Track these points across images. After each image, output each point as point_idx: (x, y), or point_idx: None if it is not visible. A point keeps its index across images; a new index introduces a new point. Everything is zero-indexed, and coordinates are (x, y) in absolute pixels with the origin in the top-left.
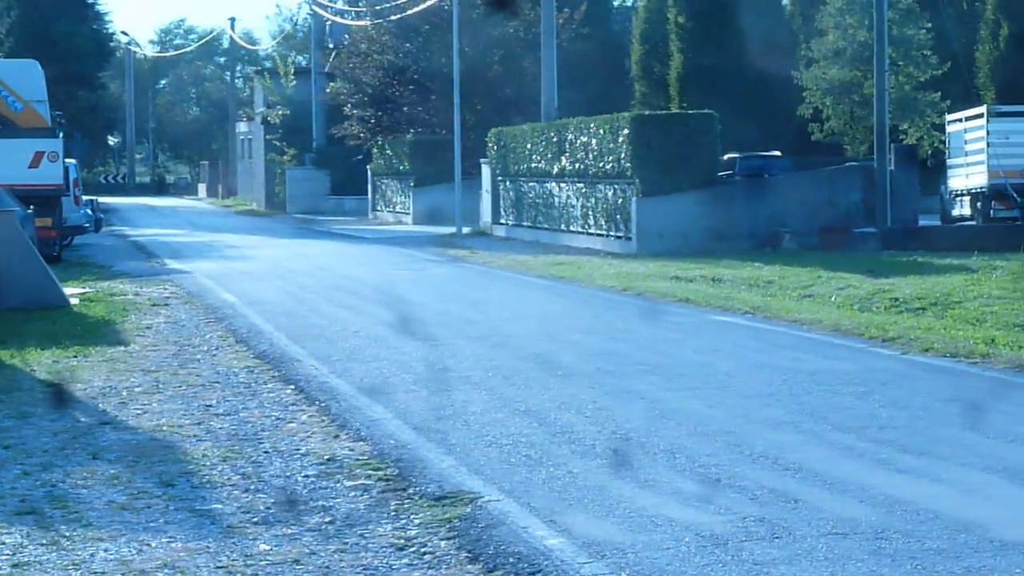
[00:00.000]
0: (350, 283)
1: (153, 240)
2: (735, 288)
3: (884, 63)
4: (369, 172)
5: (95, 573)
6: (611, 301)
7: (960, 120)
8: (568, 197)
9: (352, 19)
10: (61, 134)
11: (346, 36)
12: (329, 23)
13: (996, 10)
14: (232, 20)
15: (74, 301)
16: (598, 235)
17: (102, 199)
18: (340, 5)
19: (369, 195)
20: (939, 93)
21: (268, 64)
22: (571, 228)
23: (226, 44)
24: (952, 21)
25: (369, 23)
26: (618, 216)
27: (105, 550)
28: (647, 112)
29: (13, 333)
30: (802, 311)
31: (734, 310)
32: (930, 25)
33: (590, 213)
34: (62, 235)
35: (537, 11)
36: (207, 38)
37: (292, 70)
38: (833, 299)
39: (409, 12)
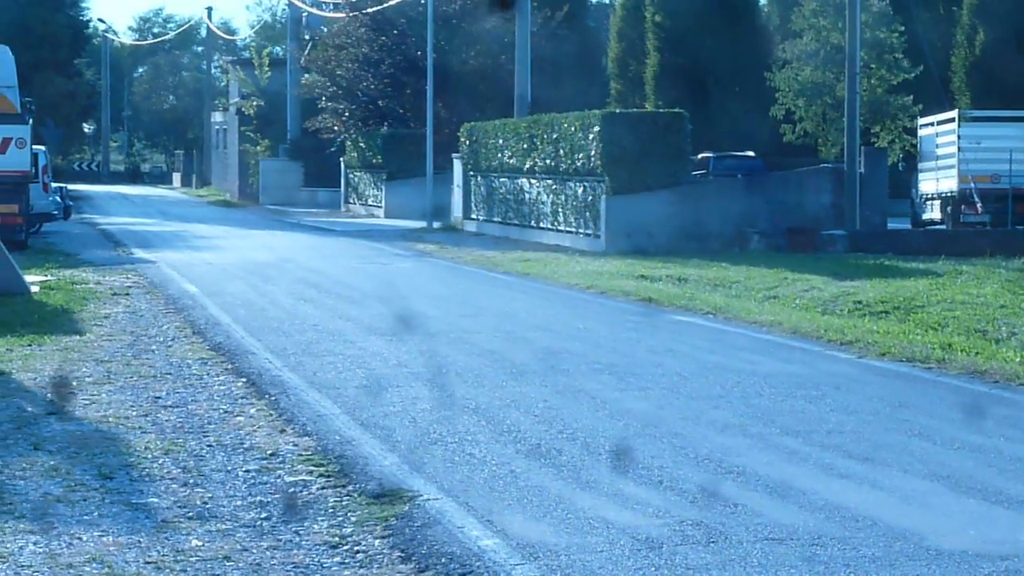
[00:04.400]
0: (314, 276)
1: (122, 229)
2: (699, 288)
3: (856, 66)
4: (342, 165)
5: (22, 567)
6: (574, 299)
7: (932, 124)
8: (539, 193)
9: (329, 11)
10: (31, 120)
11: (323, 28)
12: (306, 15)
13: (972, 15)
14: (209, 9)
15: (35, 289)
16: (568, 232)
17: (75, 187)
18: None
19: (342, 188)
20: (911, 96)
21: (246, 54)
22: (541, 225)
23: (204, 33)
24: (927, 25)
25: (345, 16)
26: (588, 213)
27: (35, 543)
28: (618, 110)
29: None
30: (763, 313)
31: (695, 310)
32: (903, 28)
33: (560, 210)
34: (29, 222)
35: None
36: (185, 27)
37: (268, 61)
38: (796, 301)
39: (385, 5)
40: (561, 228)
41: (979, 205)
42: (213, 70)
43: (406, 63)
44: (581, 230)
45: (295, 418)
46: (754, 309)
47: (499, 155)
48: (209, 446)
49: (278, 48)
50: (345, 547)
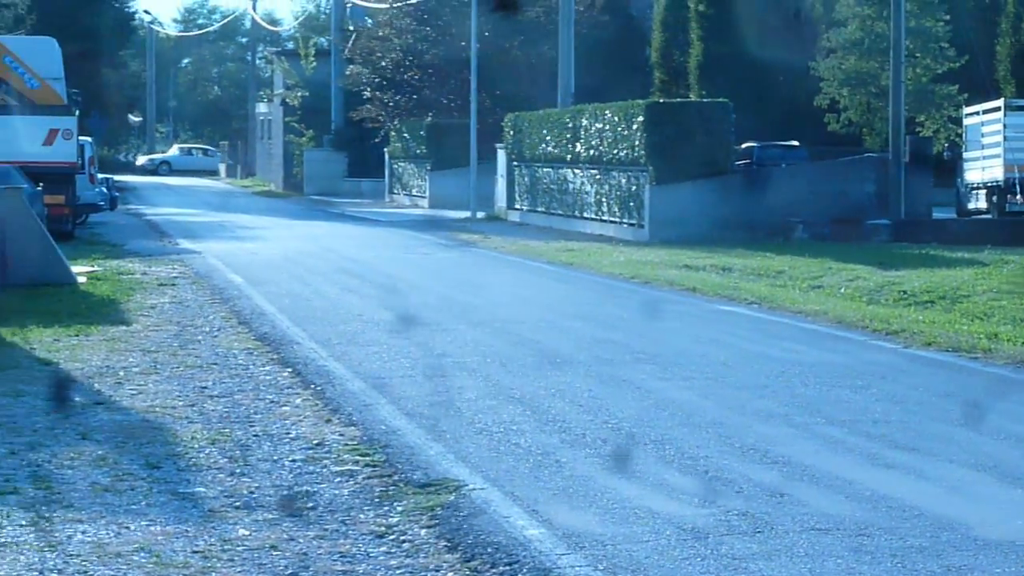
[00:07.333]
0: (357, 266)
1: (167, 219)
2: (743, 278)
3: (901, 54)
4: (386, 155)
5: (70, 555)
6: (617, 289)
7: (977, 113)
8: (582, 183)
9: (374, 2)
10: (77, 112)
11: (367, 18)
12: (350, 5)
13: (1017, 3)
14: (255, 0)
15: (81, 279)
16: (611, 222)
17: (120, 177)
18: None
19: (386, 178)
20: (956, 86)
21: (290, 45)
22: (584, 215)
23: (248, 24)
24: (972, 14)
25: (389, 5)
26: (631, 203)
27: (83, 532)
28: (661, 100)
29: (16, 310)
30: (808, 302)
31: (739, 300)
32: (948, 17)
33: (603, 200)
34: (75, 213)
35: None
36: (230, 18)
37: (313, 52)
38: (841, 291)
39: None
40: (605, 218)
41: None
42: (257, 61)
43: (450, 53)
44: (625, 220)
45: (341, 408)
46: (798, 299)
47: (543, 145)
48: (255, 436)
49: (322, 39)
50: (391, 536)
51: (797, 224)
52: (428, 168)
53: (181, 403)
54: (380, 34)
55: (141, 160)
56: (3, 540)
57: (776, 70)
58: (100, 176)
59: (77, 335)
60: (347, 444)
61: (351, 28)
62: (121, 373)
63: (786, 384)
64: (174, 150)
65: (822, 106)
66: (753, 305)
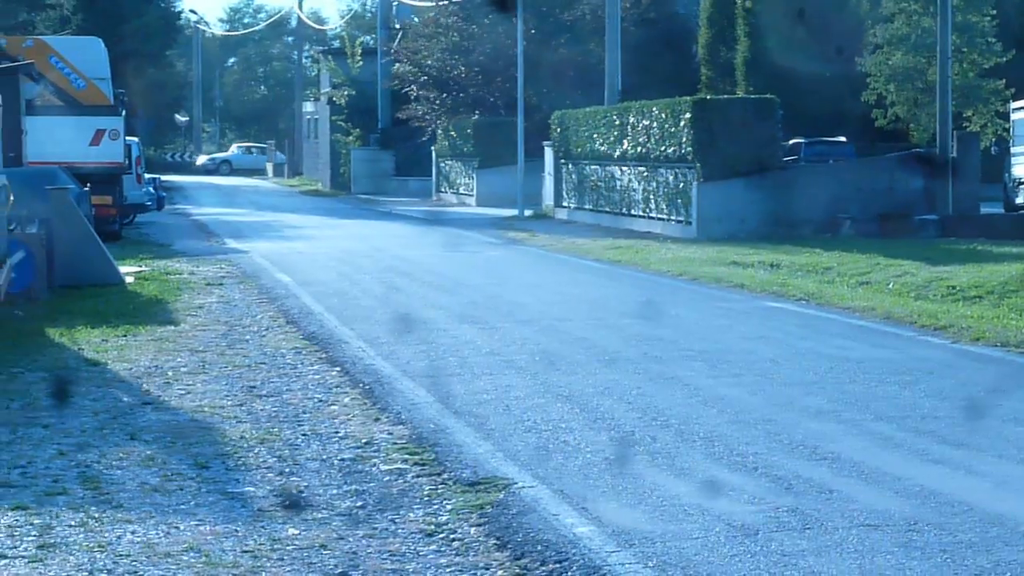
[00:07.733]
0: (405, 265)
1: (215, 219)
2: (791, 274)
3: (947, 50)
4: (433, 153)
5: (120, 556)
6: (665, 286)
7: None
8: (630, 181)
9: (420, 0)
10: (124, 112)
11: (413, 17)
12: (396, 3)
13: None
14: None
15: (129, 279)
16: (659, 219)
17: (167, 177)
18: None
19: (433, 176)
20: (1003, 81)
21: (336, 44)
22: (632, 212)
23: (294, 23)
24: (1018, 9)
25: (435, 3)
26: (679, 200)
27: (132, 532)
28: (708, 97)
29: (64, 311)
30: (856, 298)
31: (788, 296)
32: (995, 12)
33: (651, 197)
34: (123, 213)
35: None
36: (275, 17)
37: (359, 51)
38: (889, 286)
39: None
40: (652, 215)
41: None
42: (303, 60)
43: (496, 51)
44: (672, 217)
45: (389, 407)
46: (847, 295)
47: (590, 142)
48: (304, 435)
49: (368, 37)
50: (441, 535)
51: (844, 220)
52: (475, 166)
53: (230, 403)
54: (426, 31)
55: (202, 159)
56: (53, 541)
57: (824, 65)
58: (147, 176)
59: (125, 335)
60: (396, 443)
61: (397, 26)
62: (169, 373)
63: (835, 380)
64: (234, 149)
65: (869, 102)
66: (801, 301)
